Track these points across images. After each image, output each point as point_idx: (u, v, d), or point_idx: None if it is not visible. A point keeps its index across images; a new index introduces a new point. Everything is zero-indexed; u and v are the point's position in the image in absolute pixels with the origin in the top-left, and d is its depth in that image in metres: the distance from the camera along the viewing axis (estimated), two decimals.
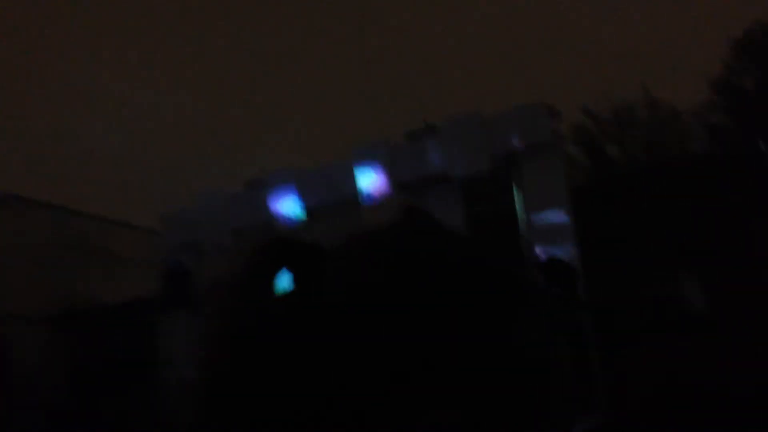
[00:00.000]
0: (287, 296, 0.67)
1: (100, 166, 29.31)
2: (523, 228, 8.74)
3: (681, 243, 8.00)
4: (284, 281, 0.69)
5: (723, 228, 7.91)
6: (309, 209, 10.18)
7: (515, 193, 9.03)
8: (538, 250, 8.15)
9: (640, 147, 21.65)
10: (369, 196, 9.73)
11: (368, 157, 9.70)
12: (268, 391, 0.63)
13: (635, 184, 9.40)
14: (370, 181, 9.65)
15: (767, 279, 6.90)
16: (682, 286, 6.73)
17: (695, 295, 6.63)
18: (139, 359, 8.88)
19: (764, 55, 19.41)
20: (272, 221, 10.24)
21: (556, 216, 8.38)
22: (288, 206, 9.96)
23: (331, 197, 10.08)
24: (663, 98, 22.77)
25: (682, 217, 8.05)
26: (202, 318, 9.36)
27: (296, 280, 0.66)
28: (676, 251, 7.87)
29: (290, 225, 10.14)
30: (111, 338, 10.75)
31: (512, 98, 9.11)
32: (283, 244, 0.73)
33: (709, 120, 20.85)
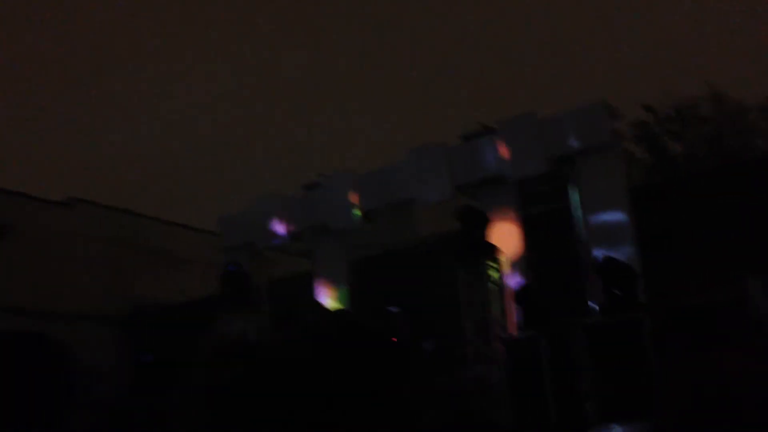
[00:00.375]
0: None
1: (162, 170, 30.07)
2: (580, 229, 8.60)
3: (748, 245, 7.75)
4: None
5: None
6: (366, 212, 10.22)
7: (571, 194, 8.88)
8: (596, 251, 8.01)
9: (703, 144, 21.05)
10: (426, 199, 9.71)
11: (425, 159, 9.68)
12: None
13: (698, 184, 9.14)
14: (426, 183, 9.64)
15: None
16: (748, 290, 6.52)
17: (762, 299, 6.40)
18: (197, 359, 9.06)
19: None
20: (328, 223, 10.32)
21: (615, 216, 8.22)
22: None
23: (389, 199, 10.11)
24: (728, 94, 22.10)
25: (747, 218, 7.80)
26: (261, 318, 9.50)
27: None
28: (742, 254, 7.62)
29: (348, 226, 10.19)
30: (173, 337, 11.00)
31: (572, 97, 8.96)
32: None
33: None
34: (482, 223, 8.33)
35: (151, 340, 11.37)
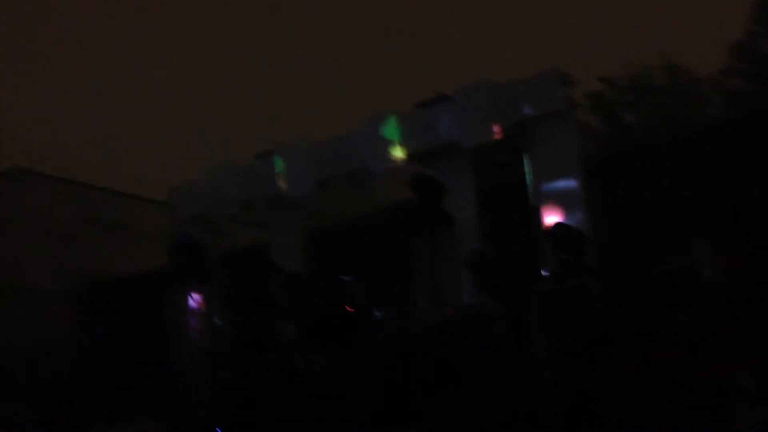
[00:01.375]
0: None
1: (113, 142, 29.39)
2: (534, 197, 8.63)
3: (697, 211, 7.86)
4: None
5: (740, 195, 7.76)
6: (321, 181, 10.11)
7: (526, 162, 8.90)
8: (548, 218, 8.05)
9: (657, 114, 21.35)
10: (380, 167, 9.63)
11: (379, 127, 9.59)
12: None
13: (649, 152, 9.23)
14: (381, 150, 9.55)
15: None
16: (696, 255, 6.63)
17: (709, 264, 6.52)
18: (151, 331, 8.93)
19: None
20: (281, 193, 10.19)
21: (568, 184, 8.26)
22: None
23: (343, 168, 10.01)
24: (681, 64, 22.40)
25: (696, 185, 7.90)
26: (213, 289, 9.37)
27: None
28: (691, 220, 7.74)
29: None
30: (124, 310, 10.83)
31: (527, 67, 8.94)
32: None
33: (727, 85, 20.48)
34: (436, 190, 8.28)
35: (102, 314, 11.16)
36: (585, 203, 8.13)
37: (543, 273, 7.72)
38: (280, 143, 10.55)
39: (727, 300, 5.88)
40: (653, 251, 7.34)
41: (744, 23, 20.34)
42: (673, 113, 20.76)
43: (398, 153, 9.39)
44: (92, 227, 14.63)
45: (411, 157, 9.39)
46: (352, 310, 8.63)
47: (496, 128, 8.78)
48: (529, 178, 8.78)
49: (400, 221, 8.61)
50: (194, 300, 8.94)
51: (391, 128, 9.43)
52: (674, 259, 6.80)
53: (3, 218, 13.73)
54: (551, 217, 7.97)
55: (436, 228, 8.11)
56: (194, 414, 8.20)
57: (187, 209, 10.89)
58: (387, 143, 9.44)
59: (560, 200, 8.19)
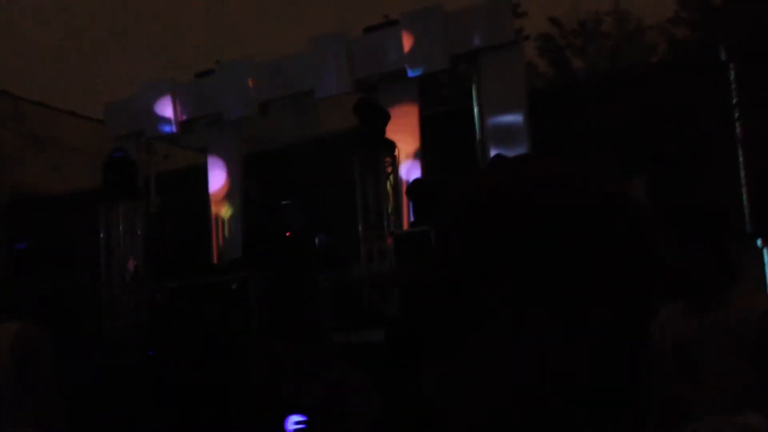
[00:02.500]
0: None
1: (46, 55, 28.05)
2: (479, 129, 8.61)
3: (634, 147, 7.97)
4: None
5: (676, 136, 7.89)
6: (263, 103, 9.86)
7: (473, 93, 8.84)
8: (492, 150, 8.06)
9: (604, 59, 21.50)
10: (325, 91, 9.44)
11: (325, 50, 9.35)
12: None
13: (591, 89, 9.28)
14: (326, 75, 9.34)
15: (713, 188, 6.94)
16: (631, 188, 6.74)
17: (644, 197, 6.64)
18: (82, 248, 8.69)
19: None
20: (222, 113, 9.91)
21: (513, 118, 8.25)
22: None
23: (286, 91, 9.77)
24: (630, 11, 22.51)
25: (635, 122, 8.00)
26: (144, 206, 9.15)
27: None
28: (629, 155, 7.85)
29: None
30: (54, 227, 10.51)
31: None
32: None
33: (673, 34, 20.71)
34: (381, 117, 8.17)
35: (30, 230, 10.79)
36: (528, 137, 8.16)
37: None
38: (222, 62, 10.21)
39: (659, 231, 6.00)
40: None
41: None
42: (620, 59, 20.93)
43: (344, 78, 9.21)
44: (24, 142, 14.05)
45: (356, 82, 9.22)
46: (291, 234, 8.57)
47: (443, 57, 8.66)
48: (474, 109, 8.74)
49: (343, 147, 8.50)
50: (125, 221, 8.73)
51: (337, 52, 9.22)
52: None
53: None
54: (496, 150, 7.98)
55: (378, 154, 8.05)
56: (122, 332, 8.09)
57: (123, 127, 10.51)
58: (333, 67, 9.23)
59: (505, 133, 8.20)
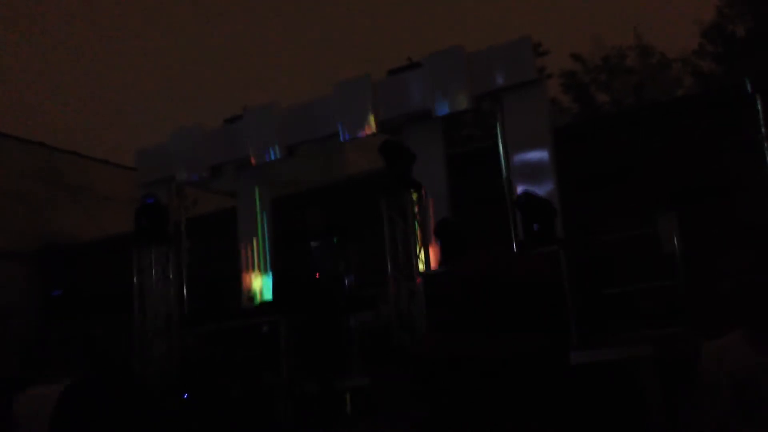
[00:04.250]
0: None
1: (79, 104, 28.77)
2: (504, 166, 8.63)
3: (661, 184, 7.93)
4: None
5: (705, 169, 7.84)
6: (290, 147, 10.00)
7: (498, 131, 8.88)
8: (519, 188, 8.06)
9: (628, 94, 21.50)
10: (350, 134, 9.55)
11: (350, 93, 9.48)
12: None
13: (617, 125, 9.28)
14: (351, 118, 9.46)
15: (745, 220, 6.86)
16: (659, 225, 6.69)
17: (671, 234, 6.59)
18: (115, 294, 8.82)
19: (758, 2, 19.09)
20: (250, 158, 10.06)
21: (538, 154, 8.27)
22: None
23: (313, 135, 9.90)
24: (654, 45, 22.56)
25: (662, 158, 7.97)
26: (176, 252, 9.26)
27: None
28: (655, 192, 7.81)
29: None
30: (88, 274, 10.67)
31: (498, 35, 8.87)
32: None
33: (698, 67, 20.67)
34: (406, 158, 8.24)
35: (64, 277, 10.98)
36: (554, 174, 8.15)
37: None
38: (250, 108, 10.39)
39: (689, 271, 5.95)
40: (619, 222, 7.39)
41: (715, 5, 20.50)
42: (645, 93, 20.91)
43: (369, 120, 9.32)
44: (58, 191, 14.36)
45: (381, 124, 9.32)
46: (320, 275, 8.61)
47: (467, 97, 8.74)
48: (499, 147, 8.77)
49: (370, 188, 8.57)
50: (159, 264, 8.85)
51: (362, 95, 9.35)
52: (639, 230, 6.86)
53: None
54: (522, 187, 7.98)
55: (405, 196, 8.10)
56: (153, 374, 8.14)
57: (154, 173, 10.70)
58: (358, 110, 9.35)
59: (531, 170, 8.21)
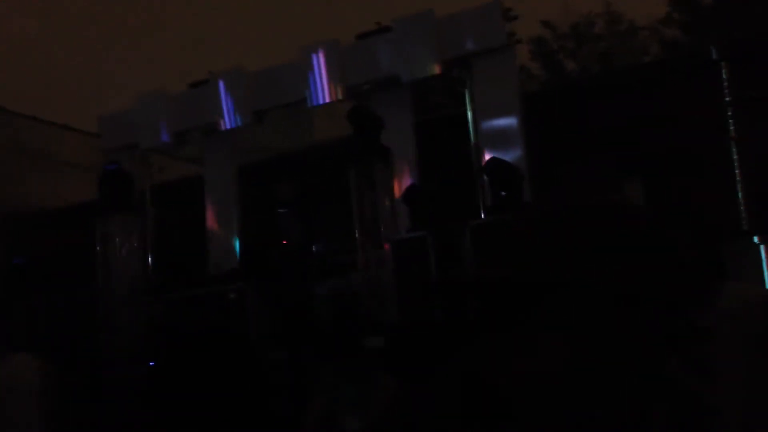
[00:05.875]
0: None
1: (37, 68, 28.03)
2: (473, 133, 8.61)
3: (629, 150, 7.99)
4: None
5: (671, 135, 7.92)
6: (257, 113, 9.86)
7: (466, 98, 8.84)
8: (486, 154, 8.06)
9: (596, 61, 21.57)
10: (317, 100, 9.43)
11: (317, 58, 9.35)
12: None
13: (585, 92, 9.30)
14: (319, 83, 9.34)
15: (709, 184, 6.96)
16: (626, 192, 6.76)
17: (639, 200, 6.66)
18: (77, 262, 8.67)
19: None
20: (217, 124, 9.90)
21: (507, 121, 8.26)
22: None
23: (280, 100, 9.77)
24: (622, 12, 22.60)
25: (630, 124, 8.02)
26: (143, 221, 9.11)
27: None
28: (624, 159, 7.87)
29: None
30: (50, 242, 10.48)
31: (469, 4, 8.78)
32: None
33: (664, 35, 20.79)
34: (375, 125, 8.16)
35: (26, 245, 10.76)
36: (523, 140, 8.16)
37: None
38: (215, 72, 10.20)
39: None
40: (586, 189, 7.45)
41: None
42: (612, 61, 21.00)
43: (337, 86, 9.21)
44: (18, 157, 14.00)
45: (349, 90, 9.22)
46: (288, 243, 8.56)
47: (436, 63, 8.67)
48: (468, 114, 8.74)
49: (337, 154, 8.49)
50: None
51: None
52: (605, 197, 6.91)
53: None
54: (490, 154, 7.98)
55: (373, 162, 8.04)
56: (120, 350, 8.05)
57: (117, 140, 10.48)
58: (325, 76, 9.23)
59: (499, 137, 8.20)
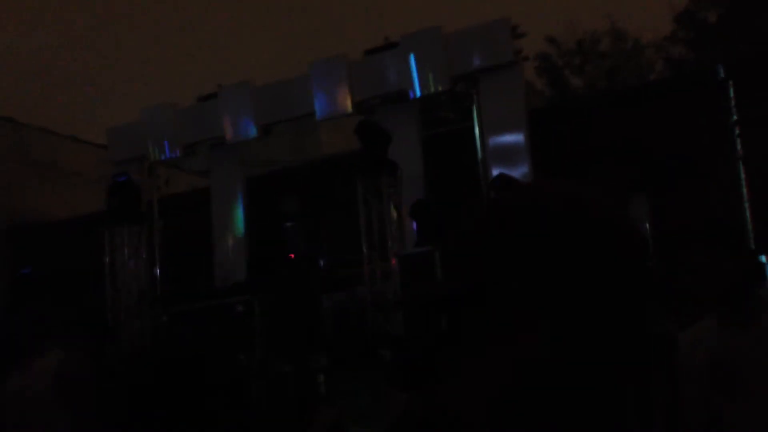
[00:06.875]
0: None
1: (47, 80, 28.23)
2: (480, 149, 8.65)
3: (634, 166, 8.00)
4: None
5: (677, 152, 7.93)
6: (265, 126, 9.91)
7: (474, 113, 8.88)
8: (494, 170, 8.08)
9: (602, 78, 21.62)
10: (326, 113, 9.49)
11: (326, 72, 9.41)
12: None
13: (591, 109, 9.33)
14: (327, 97, 9.39)
15: (716, 202, 6.97)
16: (630, 208, 6.77)
17: (643, 218, 6.67)
18: (86, 272, 8.71)
19: None
20: (224, 137, 9.95)
21: (513, 137, 8.29)
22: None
23: (288, 114, 9.82)
24: (627, 30, 22.67)
25: (636, 141, 8.04)
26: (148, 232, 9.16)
27: None
28: (628, 173, 7.88)
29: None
30: (58, 252, 10.52)
31: (475, 16, 8.86)
32: None
33: (670, 52, 20.85)
34: (382, 139, 8.21)
35: (34, 256, 10.80)
36: (529, 156, 8.19)
37: None
38: (224, 86, 10.26)
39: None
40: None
41: None
42: (618, 78, 21.05)
43: (345, 100, 9.26)
44: (26, 168, 14.07)
45: (357, 104, 9.26)
46: (294, 256, 8.59)
47: (444, 78, 8.72)
48: (475, 129, 8.78)
49: (345, 169, 8.53)
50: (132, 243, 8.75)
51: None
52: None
53: None
54: (497, 169, 8.01)
55: (381, 176, 8.08)
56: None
57: (125, 151, 10.53)
58: (333, 90, 9.29)
59: (506, 152, 8.23)
